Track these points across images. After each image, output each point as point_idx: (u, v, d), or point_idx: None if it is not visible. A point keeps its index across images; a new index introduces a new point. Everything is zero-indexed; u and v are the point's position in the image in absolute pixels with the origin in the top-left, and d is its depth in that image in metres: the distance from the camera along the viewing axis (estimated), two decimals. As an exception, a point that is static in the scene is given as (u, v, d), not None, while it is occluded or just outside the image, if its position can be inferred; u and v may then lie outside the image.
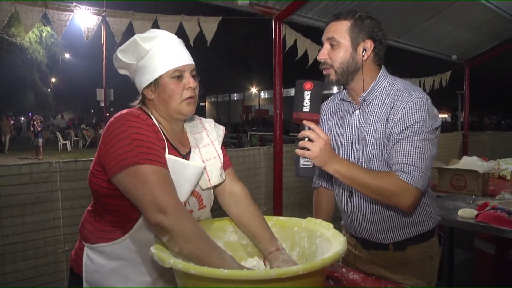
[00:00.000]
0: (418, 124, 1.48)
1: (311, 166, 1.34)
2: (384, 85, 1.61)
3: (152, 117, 1.38)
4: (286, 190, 4.23)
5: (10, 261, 2.69)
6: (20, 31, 11.42)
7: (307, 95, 1.30)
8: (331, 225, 1.39)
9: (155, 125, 1.36)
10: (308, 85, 1.30)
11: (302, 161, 1.34)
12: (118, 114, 1.31)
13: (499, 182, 3.90)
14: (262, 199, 4.24)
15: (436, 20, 5.07)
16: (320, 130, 1.38)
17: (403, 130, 1.50)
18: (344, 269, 1.67)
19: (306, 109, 1.29)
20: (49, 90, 29.30)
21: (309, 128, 1.38)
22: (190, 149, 1.46)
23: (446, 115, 38.94)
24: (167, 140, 1.38)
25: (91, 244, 1.38)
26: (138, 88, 1.40)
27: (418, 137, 1.48)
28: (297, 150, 1.38)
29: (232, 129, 20.85)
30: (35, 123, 15.72)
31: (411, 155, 1.46)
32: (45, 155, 15.24)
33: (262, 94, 52.24)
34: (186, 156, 1.43)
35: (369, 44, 1.56)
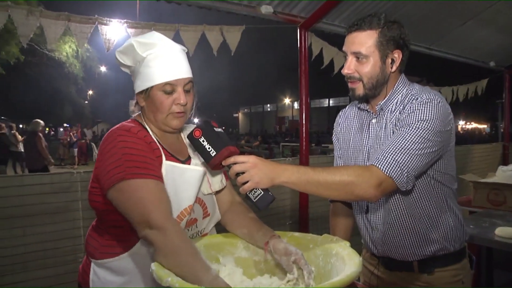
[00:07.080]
0: (420, 122, 1.36)
1: (262, 193, 1.24)
2: (402, 93, 1.52)
3: (147, 127, 1.38)
4: (312, 203, 4.09)
5: (31, 269, 2.74)
6: (58, 45, 11.88)
7: (203, 142, 1.23)
8: (347, 244, 1.33)
9: (149, 135, 1.35)
10: (197, 132, 1.24)
11: (251, 195, 1.25)
12: (110, 130, 1.32)
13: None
14: (288, 211, 4.14)
15: (471, 25, 4.85)
16: (241, 157, 1.23)
17: (402, 126, 1.40)
18: (364, 291, 1.56)
19: (213, 153, 1.22)
20: (86, 102, 30.37)
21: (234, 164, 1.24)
22: (189, 156, 1.44)
23: (485, 125, 37.58)
24: (163, 148, 1.36)
25: (97, 260, 1.36)
26: (134, 90, 1.39)
27: (415, 133, 1.35)
28: (240, 189, 1.25)
29: (264, 140, 21.07)
30: (71, 134, 16.36)
31: (394, 146, 1.34)
32: (80, 165, 15.78)
33: (295, 105, 52.07)
34: (185, 162, 1.41)
35: (397, 55, 1.47)
